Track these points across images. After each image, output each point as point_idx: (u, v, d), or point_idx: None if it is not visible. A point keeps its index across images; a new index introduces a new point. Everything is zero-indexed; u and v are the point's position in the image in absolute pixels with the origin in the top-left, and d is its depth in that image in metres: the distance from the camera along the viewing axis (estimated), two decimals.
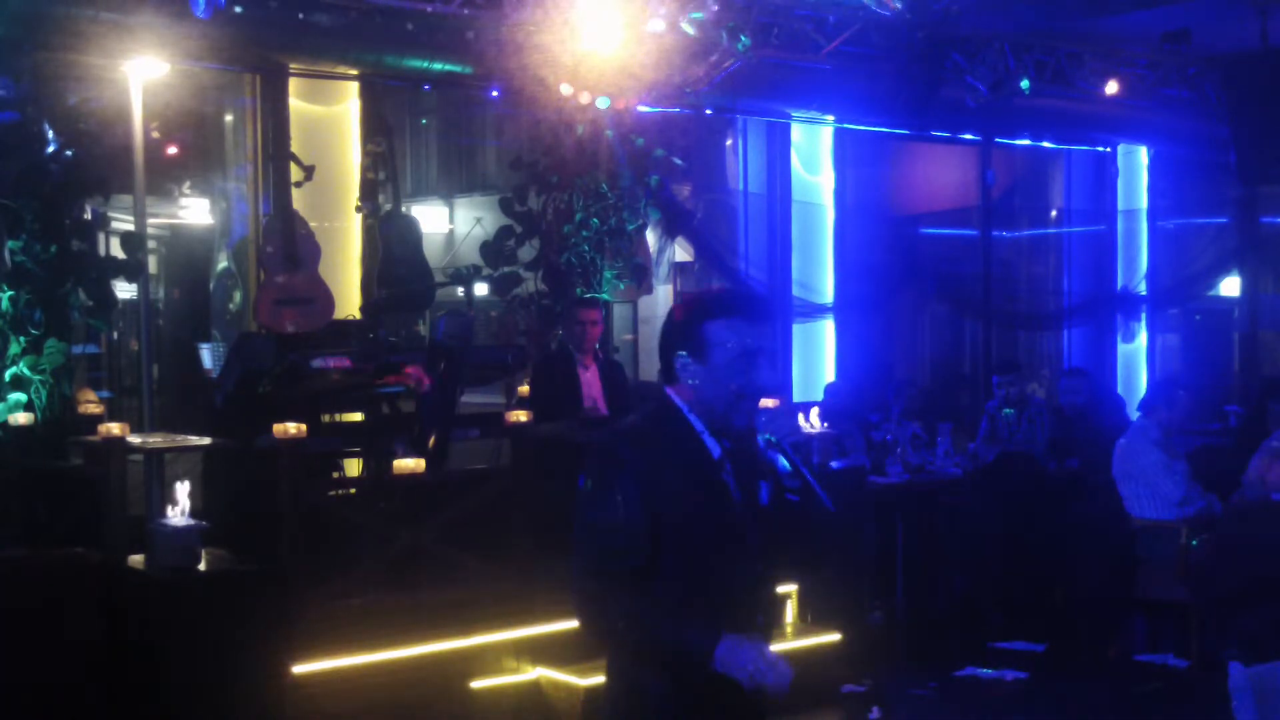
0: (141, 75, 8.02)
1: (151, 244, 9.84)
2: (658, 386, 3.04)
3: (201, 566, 5.86)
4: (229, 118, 10.26)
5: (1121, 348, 12.75)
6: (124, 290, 8.76)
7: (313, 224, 8.35)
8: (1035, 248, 13.59)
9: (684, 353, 2.94)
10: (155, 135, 8.90)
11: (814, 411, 7.75)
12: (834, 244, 10.97)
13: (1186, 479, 7.52)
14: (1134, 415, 8.65)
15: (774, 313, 3.04)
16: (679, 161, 8.89)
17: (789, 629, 6.91)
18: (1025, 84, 9.88)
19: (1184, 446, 7.93)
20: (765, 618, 2.96)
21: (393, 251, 8.56)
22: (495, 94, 8.65)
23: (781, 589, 6.65)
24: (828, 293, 10.89)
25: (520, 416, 6.70)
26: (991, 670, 7.29)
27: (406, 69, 8.25)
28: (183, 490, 5.86)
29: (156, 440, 6.66)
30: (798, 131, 10.77)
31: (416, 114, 17.41)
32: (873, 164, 11.62)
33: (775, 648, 2.86)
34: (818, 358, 10.87)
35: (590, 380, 7.64)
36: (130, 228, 8.20)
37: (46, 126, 6.88)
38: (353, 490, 7.31)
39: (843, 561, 7.43)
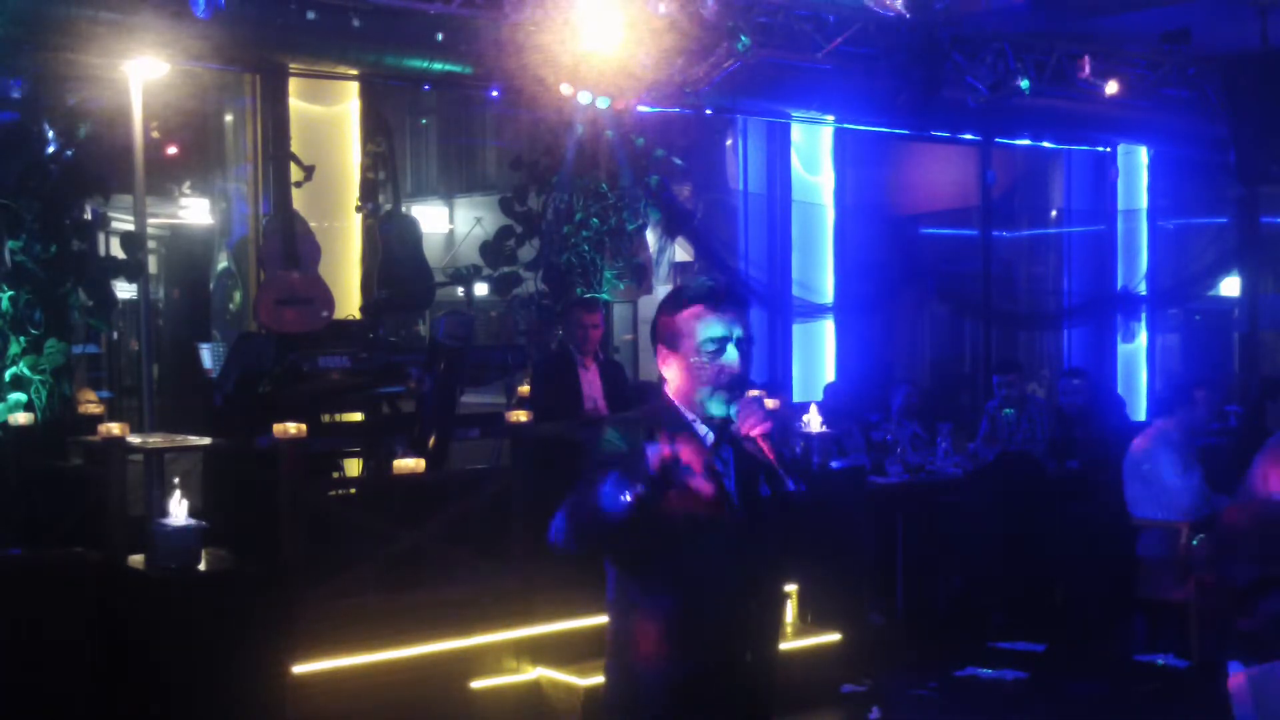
0: (141, 75, 8.02)
1: (151, 244, 9.85)
2: (658, 385, 3.07)
3: (201, 566, 5.86)
4: (229, 118, 10.27)
5: (1121, 348, 12.75)
6: (124, 290, 8.77)
7: (313, 224, 8.35)
8: (1035, 248, 13.60)
9: (661, 346, 2.99)
10: (155, 135, 8.91)
11: (813, 409, 7.74)
12: (834, 244, 10.97)
13: (1199, 487, 7.48)
14: (1134, 416, 8.68)
15: (742, 299, 3.03)
16: (679, 161, 8.90)
17: (789, 629, 6.91)
18: (1025, 84, 9.88)
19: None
20: (759, 604, 2.97)
21: (393, 251, 8.56)
22: (495, 94, 8.65)
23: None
24: (828, 293, 10.89)
25: (520, 416, 6.69)
26: (991, 670, 7.28)
27: (406, 69, 8.25)
28: (180, 490, 5.86)
29: (156, 440, 6.66)
30: (798, 131, 10.77)
31: (416, 114, 17.42)
32: (873, 164, 11.62)
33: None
34: (818, 358, 10.87)
35: (590, 380, 7.64)
36: (130, 228, 8.20)
37: (46, 126, 6.88)
38: (353, 490, 7.31)
39: (842, 560, 7.43)
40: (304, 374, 7.29)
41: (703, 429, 2.96)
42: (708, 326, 2.93)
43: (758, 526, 2.94)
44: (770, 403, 3.09)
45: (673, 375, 2.98)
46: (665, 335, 2.99)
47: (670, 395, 2.99)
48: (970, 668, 7.31)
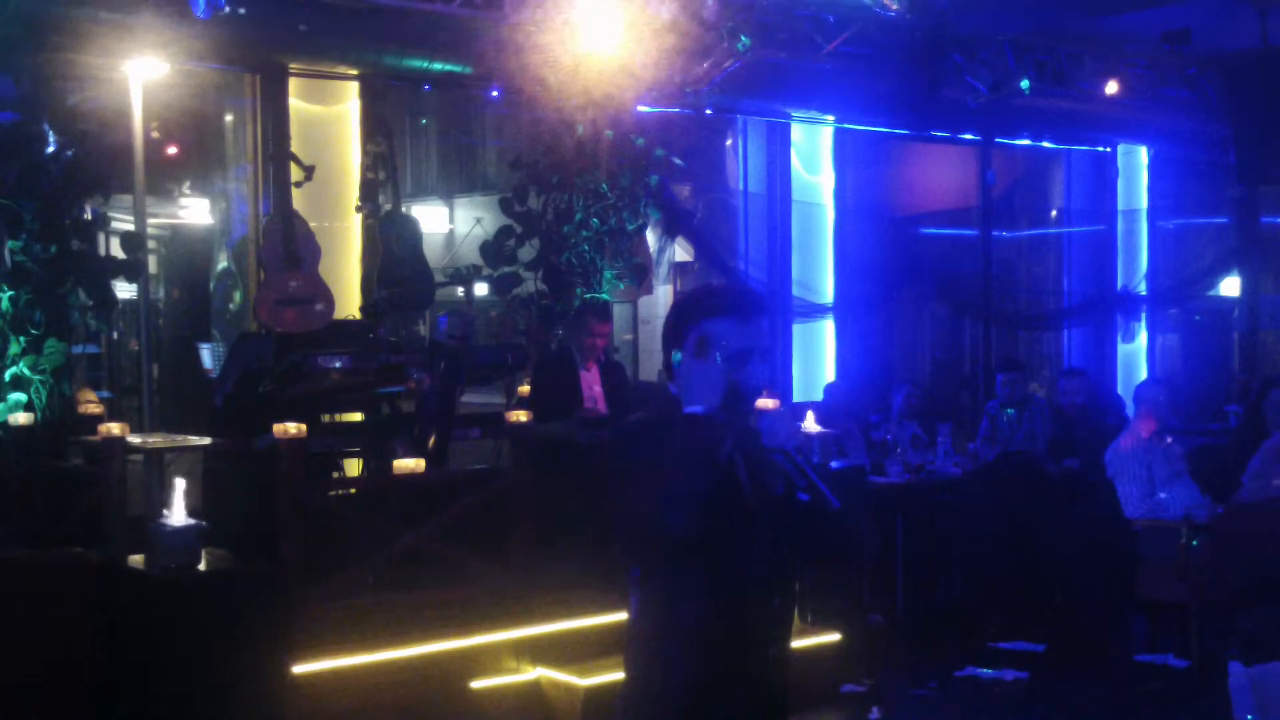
0: (141, 75, 8.02)
1: (151, 244, 9.84)
2: (660, 385, 3.06)
3: (201, 566, 5.86)
4: (229, 118, 10.25)
5: (1121, 348, 12.75)
6: (124, 290, 8.76)
7: (313, 224, 8.34)
8: (1035, 248, 13.60)
9: (678, 351, 2.97)
10: (155, 135, 8.90)
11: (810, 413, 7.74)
12: (834, 244, 10.96)
13: (1173, 484, 7.52)
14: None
15: (768, 310, 3.04)
16: (679, 161, 8.89)
17: None
18: (1025, 84, 9.88)
19: (1182, 448, 7.92)
20: (781, 600, 2.99)
21: (393, 251, 8.56)
22: (495, 94, 8.65)
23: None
24: (828, 293, 10.89)
25: (520, 416, 6.70)
26: (991, 670, 7.28)
27: (406, 69, 8.24)
28: (180, 489, 5.86)
29: (156, 440, 6.66)
30: (798, 131, 10.77)
31: (416, 114, 17.40)
32: (873, 164, 11.62)
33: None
34: (818, 358, 10.87)
35: (591, 380, 7.64)
36: (130, 228, 8.20)
37: (46, 126, 6.87)
38: (353, 490, 7.31)
39: (851, 557, 7.43)
40: (304, 374, 7.29)
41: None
42: (736, 337, 2.93)
43: (778, 527, 2.95)
44: (769, 402, 3.08)
45: (689, 380, 2.97)
46: (685, 340, 2.98)
47: (681, 398, 2.98)
48: (970, 668, 7.31)
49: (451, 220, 18.19)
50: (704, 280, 10.77)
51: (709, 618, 2.86)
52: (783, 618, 3.01)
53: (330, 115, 9.33)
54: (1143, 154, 12.77)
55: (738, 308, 2.95)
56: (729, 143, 11.07)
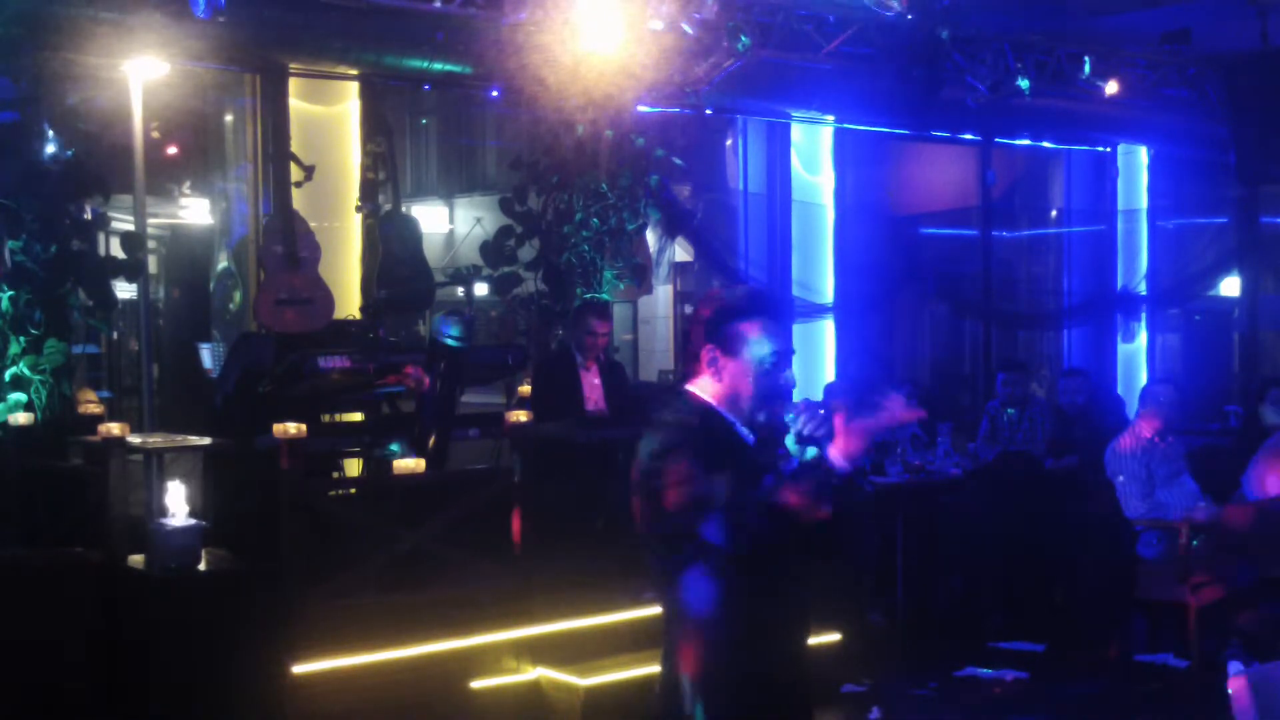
0: (141, 75, 8.03)
1: (151, 244, 9.85)
2: (671, 386, 3.11)
3: (201, 566, 5.86)
4: (229, 118, 10.26)
5: (1121, 348, 12.75)
6: (124, 290, 8.77)
7: (313, 224, 8.35)
8: (1035, 248, 13.60)
9: (715, 348, 2.99)
10: (155, 135, 8.91)
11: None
12: (834, 244, 10.96)
13: (1172, 484, 7.53)
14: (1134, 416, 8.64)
15: (793, 314, 3.16)
16: (679, 161, 8.89)
17: None
18: (1025, 84, 9.88)
19: (1182, 448, 7.92)
20: (808, 596, 3.03)
21: (393, 251, 8.56)
22: (495, 94, 8.65)
23: None
24: (828, 293, 10.89)
25: (520, 416, 6.70)
26: (991, 670, 7.29)
27: (406, 69, 8.24)
28: (180, 490, 5.87)
29: (156, 440, 6.66)
30: (798, 131, 10.77)
31: (416, 114, 17.42)
32: (873, 164, 11.62)
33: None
34: (818, 358, 10.87)
35: (591, 381, 7.64)
36: (130, 228, 8.20)
37: (46, 126, 6.87)
38: (353, 490, 7.31)
39: (842, 560, 7.42)
40: (304, 374, 7.29)
41: (744, 431, 3.01)
42: (775, 338, 3.00)
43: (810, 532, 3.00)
44: None
45: (722, 379, 3.00)
46: (723, 340, 3.00)
47: (706, 398, 3.00)
48: (970, 668, 7.31)
49: (451, 220, 18.21)
50: (704, 280, 10.78)
51: (760, 611, 2.90)
52: (809, 613, 3.08)
53: (330, 115, 9.34)
54: (1143, 154, 12.77)
55: (774, 311, 3.04)
56: (729, 143, 11.07)
